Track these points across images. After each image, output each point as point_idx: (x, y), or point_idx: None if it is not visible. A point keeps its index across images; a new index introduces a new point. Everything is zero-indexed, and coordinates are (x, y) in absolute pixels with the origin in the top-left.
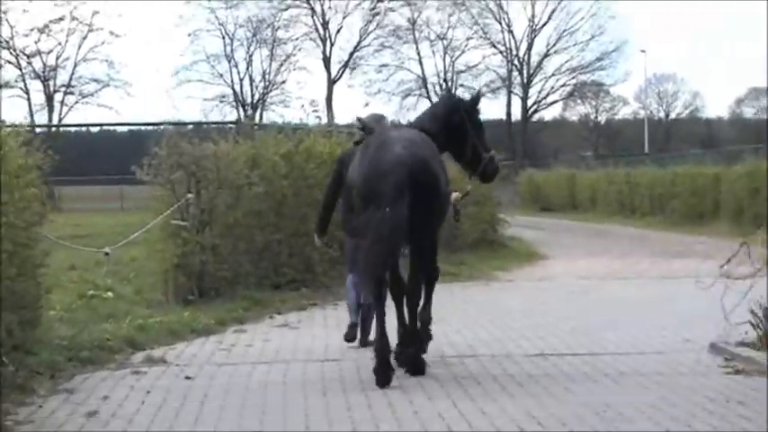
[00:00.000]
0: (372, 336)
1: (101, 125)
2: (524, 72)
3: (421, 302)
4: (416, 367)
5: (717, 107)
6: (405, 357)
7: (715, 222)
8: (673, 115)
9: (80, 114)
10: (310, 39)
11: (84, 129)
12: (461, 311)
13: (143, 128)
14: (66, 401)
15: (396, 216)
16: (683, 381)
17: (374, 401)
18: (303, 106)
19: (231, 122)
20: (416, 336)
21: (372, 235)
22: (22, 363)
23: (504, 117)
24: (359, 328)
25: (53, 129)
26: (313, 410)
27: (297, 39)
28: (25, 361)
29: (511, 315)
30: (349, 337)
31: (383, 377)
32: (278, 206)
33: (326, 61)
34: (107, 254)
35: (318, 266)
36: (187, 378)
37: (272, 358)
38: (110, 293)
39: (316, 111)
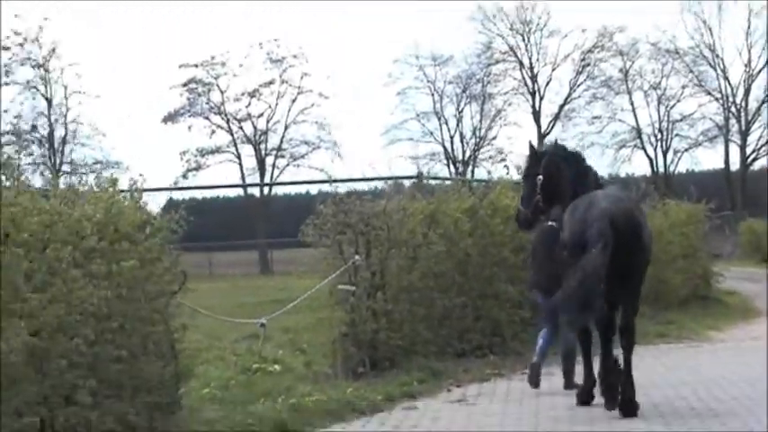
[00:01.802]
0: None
1: (294, 183)
2: (742, 119)
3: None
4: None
5: None
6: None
7: None
8: None
9: (291, 177)
10: (519, 93)
11: (302, 192)
12: (662, 379)
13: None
14: None
15: (600, 256)
16: None
17: None
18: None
19: (410, 177)
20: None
21: (579, 273)
22: None
23: (722, 166)
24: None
25: (263, 192)
26: None
27: (506, 93)
28: None
29: (716, 382)
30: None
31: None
32: (461, 266)
33: (536, 115)
34: (263, 325)
35: (508, 329)
36: None
37: None
38: (276, 366)
39: (503, 161)
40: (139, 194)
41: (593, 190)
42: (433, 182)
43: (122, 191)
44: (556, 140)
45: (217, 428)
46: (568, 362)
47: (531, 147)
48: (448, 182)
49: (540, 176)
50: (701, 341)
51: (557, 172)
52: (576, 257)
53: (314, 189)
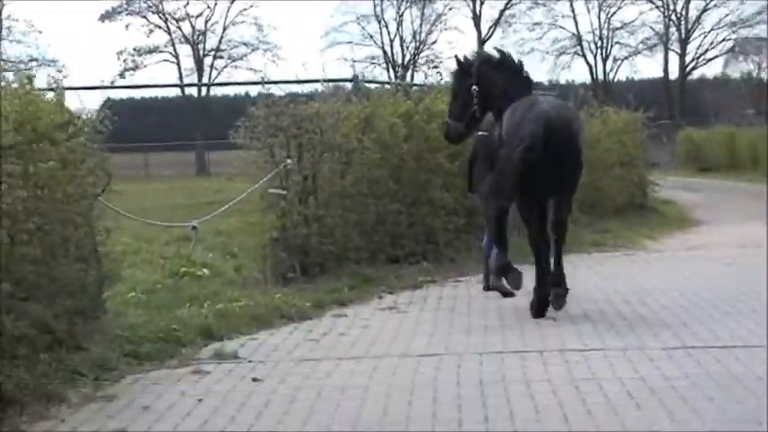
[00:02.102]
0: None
1: (230, 84)
2: (682, 28)
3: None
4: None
5: None
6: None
7: None
8: None
9: (230, 79)
10: None
11: (242, 93)
12: (596, 288)
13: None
14: (99, 413)
15: (524, 153)
16: None
17: (467, 419)
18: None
19: (346, 79)
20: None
21: (499, 168)
22: (62, 362)
23: (661, 75)
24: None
25: (201, 93)
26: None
27: None
28: (68, 359)
29: (653, 295)
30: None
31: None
32: (395, 172)
33: (476, 20)
34: (194, 228)
35: (442, 236)
36: (254, 380)
37: (363, 352)
38: (205, 271)
39: (437, 68)
40: (61, 92)
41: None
42: (370, 86)
43: (42, 89)
44: (480, 50)
45: (140, 333)
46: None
47: (458, 59)
48: (386, 86)
49: (476, 87)
50: (636, 250)
51: (491, 81)
52: (509, 155)
53: (254, 91)
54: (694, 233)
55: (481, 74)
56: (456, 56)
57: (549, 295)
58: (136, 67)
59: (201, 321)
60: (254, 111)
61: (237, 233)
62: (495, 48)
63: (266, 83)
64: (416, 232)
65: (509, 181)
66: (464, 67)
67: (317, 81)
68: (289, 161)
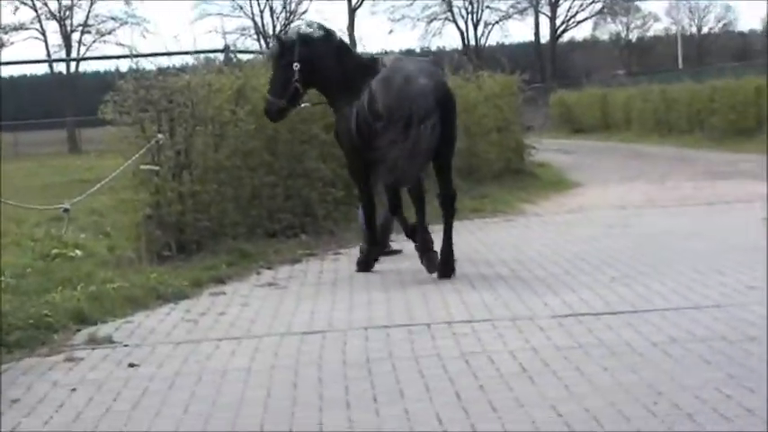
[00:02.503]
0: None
1: (97, 58)
2: None
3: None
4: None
5: (751, 20)
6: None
7: (758, 138)
8: (705, 30)
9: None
10: None
11: (112, 69)
12: (478, 255)
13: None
14: None
15: (431, 133)
16: (756, 349)
17: (355, 399)
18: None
19: (217, 50)
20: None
21: (410, 149)
22: None
23: (532, 38)
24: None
25: (70, 69)
26: (273, 415)
27: None
28: None
29: (536, 261)
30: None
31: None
32: (270, 144)
33: None
34: (66, 210)
35: (320, 208)
36: (130, 366)
37: (244, 332)
38: (78, 252)
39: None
40: None
41: (363, 69)
42: (242, 56)
43: None
44: (299, 26)
45: (8, 321)
46: (385, 234)
47: (277, 37)
48: (259, 56)
49: (297, 63)
50: (515, 215)
51: (316, 56)
52: (396, 130)
53: (125, 67)
54: (571, 196)
55: (305, 50)
56: (276, 35)
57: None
58: (2, 45)
59: (74, 305)
60: (122, 84)
61: (110, 212)
62: (318, 23)
63: (135, 56)
64: (294, 205)
65: (419, 162)
66: (285, 46)
67: (187, 53)
68: (160, 136)
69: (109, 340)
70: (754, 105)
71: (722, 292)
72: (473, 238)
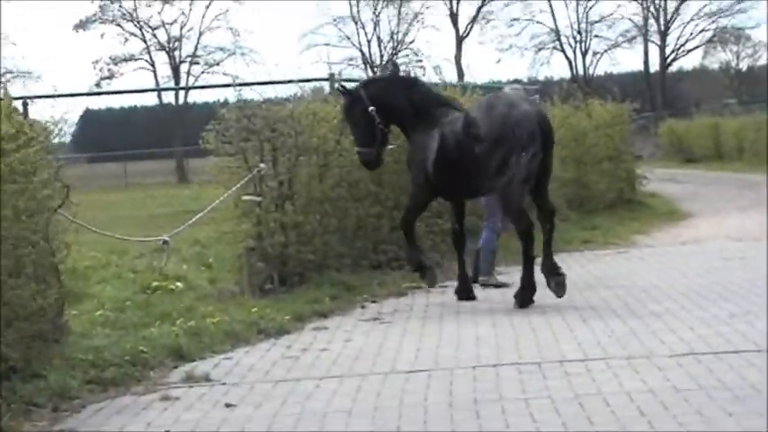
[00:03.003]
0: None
1: (202, 87)
2: (661, 19)
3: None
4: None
5: None
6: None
7: None
8: None
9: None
10: None
11: (221, 100)
12: (590, 289)
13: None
14: None
15: (532, 160)
16: None
17: None
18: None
19: (322, 79)
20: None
21: (517, 176)
22: (16, 393)
23: (641, 68)
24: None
25: (179, 100)
26: None
27: None
28: (22, 390)
29: (651, 294)
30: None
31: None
32: (375, 174)
33: (454, 17)
34: (166, 242)
35: (425, 240)
36: (227, 406)
37: (346, 370)
38: (178, 284)
39: (420, 61)
40: (8, 101)
41: (436, 100)
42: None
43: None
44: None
45: (104, 356)
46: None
47: (341, 90)
48: None
49: (371, 107)
50: (627, 246)
51: (385, 94)
52: (498, 153)
53: (233, 97)
54: (685, 227)
55: (373, 92)
56: (337, 88)
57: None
58: (112, 76)
59: (172, 341)
60: (224, 113)
61: (213, 243)
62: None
63: (239, 85)
64: (399, 236)
65: (521, 189)
66: (353, 96)
67: (290, 82)
68: (263, 166)
69: (206, 378)
70: None
71: None
72: (584, 271)
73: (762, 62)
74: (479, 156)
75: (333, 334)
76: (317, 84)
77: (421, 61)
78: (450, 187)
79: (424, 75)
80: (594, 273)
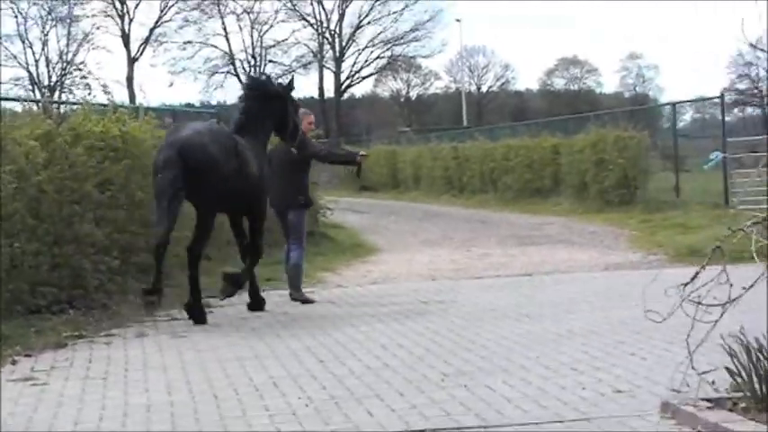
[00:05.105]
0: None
1: None
2: (336, 45)
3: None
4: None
5: (528, 79)
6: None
7: (553, 198)
8: (484, 88)
9: None
10: (108, 15)
11: None
12: (264, 344)
13: None
14: None
15: (160, 182)
16: None
17: None
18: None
19: None
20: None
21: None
22: None
23: (316, 94)
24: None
25: None
26: None
27: (95, 15)
28: None
29: (348, 349)
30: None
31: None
32: (33, 206)
33: (126, 39)
34: None
35: (92, 280)
36: None
37: None
38: None
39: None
40: None
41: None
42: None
43: None
44: None
45: None
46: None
47: None
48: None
49: None
50: (314, 285)
51: None
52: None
53: None
54: (374, 263)
55: None
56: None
57: None
58: None
59: None
60: None
61: None
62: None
63: None
64: (61, 276)
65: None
66: None
67: None
68: None
69: None
70: (551, 164)
71: (584, 396)
72: (271, 318)
73: (432, 91)
74: None
75: None
76: None
77: (86, 78)
78: None
79: (90, 94)
80: (281, 319)
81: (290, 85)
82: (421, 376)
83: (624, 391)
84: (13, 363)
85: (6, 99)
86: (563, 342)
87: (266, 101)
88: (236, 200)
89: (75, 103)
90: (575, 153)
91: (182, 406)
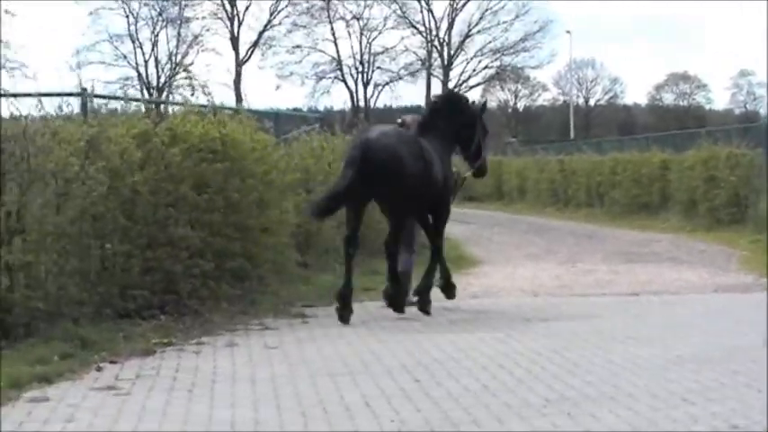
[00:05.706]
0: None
1: None
2: (445, 53)
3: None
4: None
5: (636, 93)
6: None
7: (661, 215)
8: (592, 101)
9: None
10: (218, 17)
11: None
12: (359, 360)
13: None
14: None
15: (339, 182)
16: None
17: None
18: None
19: (73, 93)
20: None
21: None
22: None
23: (422, 102)
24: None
25: None
26: None
27: (204, 17)
28: None
29: (446, 368)
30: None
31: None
32: (127, 207)
33: (235, 41)
34: None
35: (184, 285)
36: None
37: None
38: None
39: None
40: None
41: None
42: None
43: None
44: None
45: None
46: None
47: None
48: (132, 103)
49: None
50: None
51: None
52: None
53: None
54: (475, 275)
55: None
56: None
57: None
58: None
59: None
60: None
61: None
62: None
63: None
64: (153, 280)
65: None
66: None
67: (29, 95)
68: None
69: None
70: (659, 180)
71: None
72: (371, 337)
73: (540, 102)
74: None
75: (53, 409)
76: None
77: (189, 79)
78: None
79: (193, 95)
80: (377, 334)
81: (483, 108)
82: (521, 401)
83: (739, 427)
84: (98, 369)
85: (102, 96)
86: (672, 369)
87: (457, 112)
88: (423, 201)
89: (176, 104)
90: (684, 169)
91: (267, 424)
